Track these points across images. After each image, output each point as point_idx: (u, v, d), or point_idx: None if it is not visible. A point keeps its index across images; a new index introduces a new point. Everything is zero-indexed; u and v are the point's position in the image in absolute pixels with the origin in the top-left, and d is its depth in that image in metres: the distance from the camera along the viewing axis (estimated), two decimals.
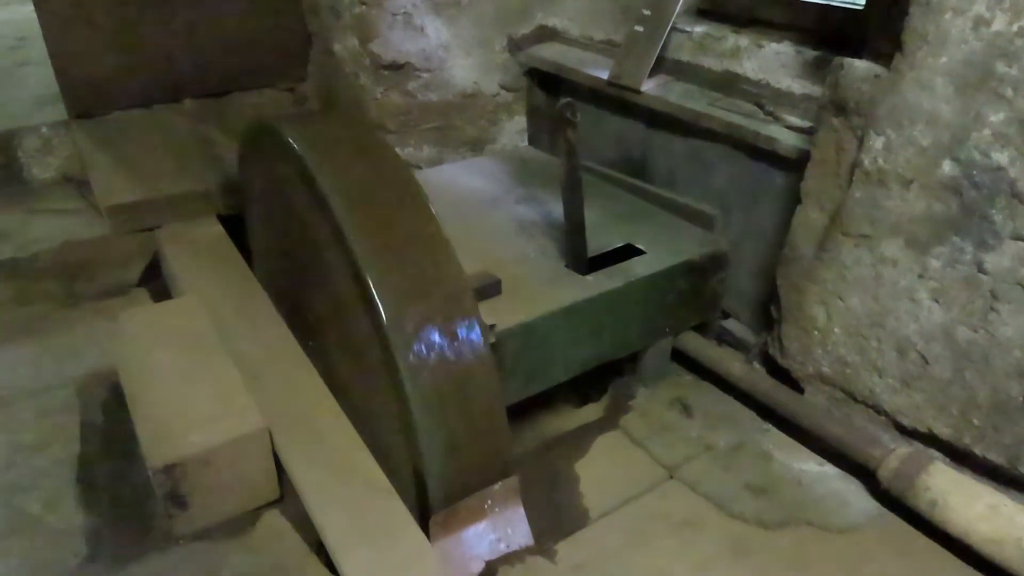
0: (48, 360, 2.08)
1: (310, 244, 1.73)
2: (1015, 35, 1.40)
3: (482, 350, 1.51)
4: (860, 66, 1.68)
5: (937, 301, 1.62)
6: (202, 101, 2.93)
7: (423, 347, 1.45)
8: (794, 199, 1.90)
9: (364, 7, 2.47)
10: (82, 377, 2.01)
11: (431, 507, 1.51)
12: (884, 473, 1.68)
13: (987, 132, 1.47)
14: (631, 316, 1.99)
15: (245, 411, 1.62)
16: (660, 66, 2.35)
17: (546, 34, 2.77)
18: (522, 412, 1.98)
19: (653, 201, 2.34)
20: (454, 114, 2.72)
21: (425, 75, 2.60)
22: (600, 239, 2.08)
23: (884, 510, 1.73)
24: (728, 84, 2.21)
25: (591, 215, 1.99)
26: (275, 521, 1.62)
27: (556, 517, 1.73)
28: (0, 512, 1.62)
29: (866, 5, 1.92)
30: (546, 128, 2.88)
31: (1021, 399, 1.52)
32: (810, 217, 1.85)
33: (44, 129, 2.63)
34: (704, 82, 2.27)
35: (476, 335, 1.51)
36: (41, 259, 2.30)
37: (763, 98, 2.10)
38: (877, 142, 1.64)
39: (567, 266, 1.99)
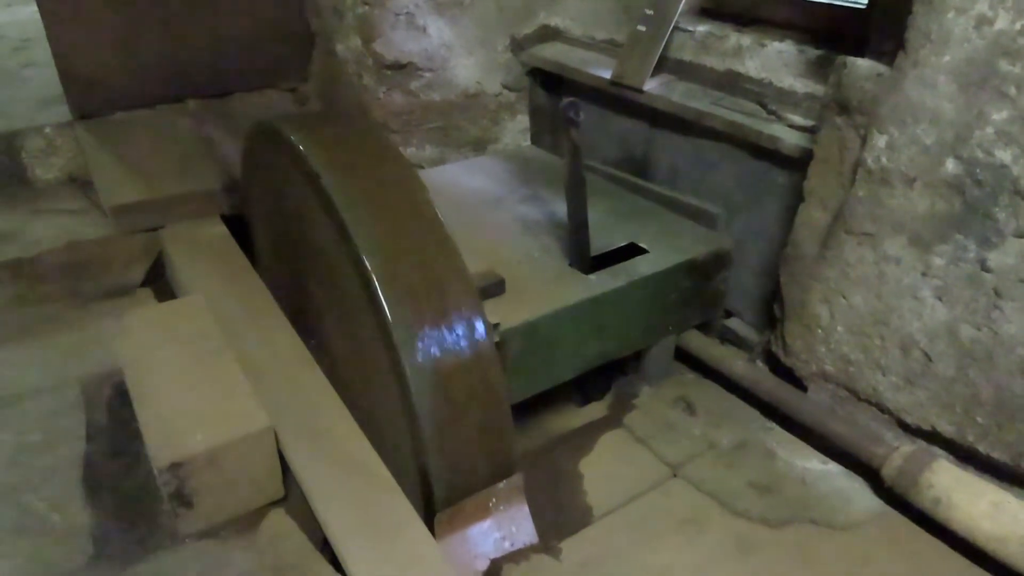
0: (53, 360, 2.08)
1: (314, 244, 1.74)
2: (1018, 33, 1.40)
3: (487, 349, 1.52)
4: (863, 65, 1.68)
5: (940, 299, 1.62)
6: (205, 101, 2.93)
7: (428, 346, 1.46)
8: (797, 198, 1.91)
9: (367, 7, 2.47)
10: (87, 377, 2.01)
11: (436, 505, 1.52)
12: (888, 471, 1.68)
13: (990, 130, 1.47)
14: (634, 315, 1.99)
15: (250, 410, 1.62)
16: (663, 65, 2.35)
17: (548, 34, 2.78)
18: (526, 411, 1.99)
19: (656, 200, 2.34)
20: (457, 114, 2.73)
21: (428, 75, 2.60)
22: (603, 238, 2.09)
23: (888, 508, 1.74)
24: (731, 83, 2.21)
25: (594, 214, 1.99)
26: (280, 520, 1.62)
27: (560, 515, 1.73)
28: (6, 511, 1.62)
29: (868, 4, 1.92)
30: (548, 128, 2.89)
31: None
32: (813, 216, 1.86)
33: (48, 130, 2.63)
34: (707, 81, 2.28)
35: (481, 334, 1.51)
36: (45, 259, 2.29)
37: (766, 97, 2.11)
38: (880, 140, 1.64)
39: (571, 265, 2.00)
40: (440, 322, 1.47)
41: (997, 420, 1.58)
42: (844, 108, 1.73)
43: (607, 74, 2.42)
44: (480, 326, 1.51)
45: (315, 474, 1.58)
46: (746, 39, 2.21)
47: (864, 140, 1.68)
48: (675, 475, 1.86)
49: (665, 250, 2.06)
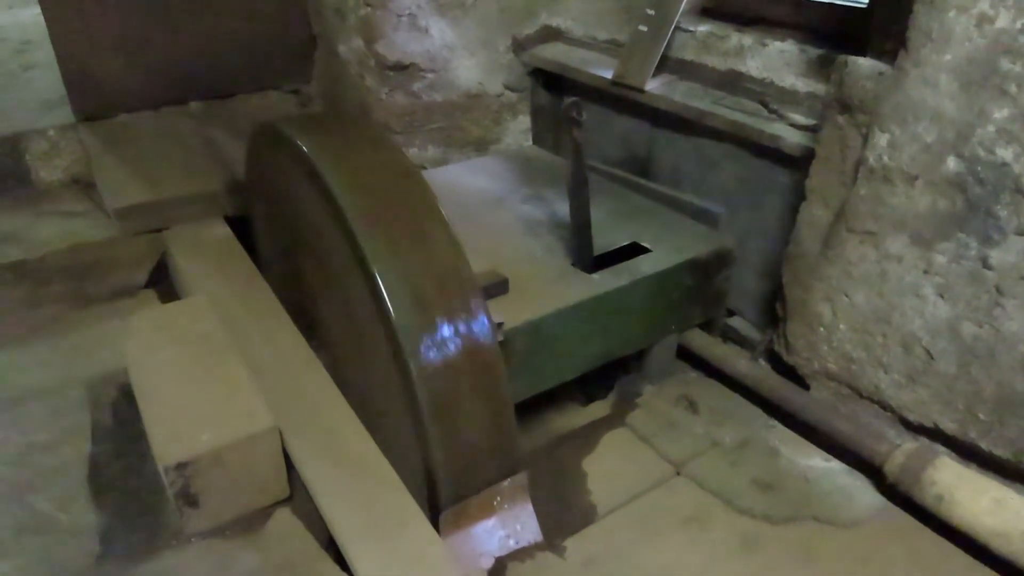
0: (58, 361, 2.09)
1: (317, 244, 1.75)
2: (1019, 32, 1.41)
3: (491, 348, 1.52)
4: (864, 64, 1.69)
5: (942, 297, 1.63)
6: (208, 103, 2.94)
7: (433, 345, 1.46)
8: (799, 197, 1.92)
9: (369, 8, 2.48)
10: (92, 377, 2.02)
11: (441, 504, 1.53)
12: (890, 468, 1.69)
13: (991, 128, 1.48)
14: (637, 314, 2.00)
15: (255, 410, 1.63)
16: (664, 65, 2.36)
17: (550, 34, 2.79)
18: (529, 410, 1.99)
19: (658, 199, 2.35)
20: (459, 114, 2.73)
21: (430, 76, 2.61)
22: (606, 237, 2.09)
23: (890, 505, 1.74)
24: (732, 83, 2.22)
25: (596, 214, 2.00)
26: (286, 519, 1.63)
27: (564, 513, 1.74)
28: (13, 511, 1.63)
29: (870, 3, 1.93)
30: (550, 128, 2.90)
31: None
32: (815, 214, 1.86)
33: (51, 132, 2.64)
34: (708, 81, 2.29)
35: (485, 333, 1.52)
36: (49, 261, 2.30)
37: (767, 96, 2.11)
38: (882, 139, 1.65)
39: (573, 264, 2.00)
40: (445, 322, 1.48)
41: (999, 417, 1.59)
42: (846, 107, 1.73)
43: (609, 74, 2.43)
44: (484, 325, 1.52)
45: (320, 473, 1.59)
46: (747, 39, 2.21)
47: (866, 139, 1.69)
48: (678, 473, 1.87)
49: (667, 249, 2.07)
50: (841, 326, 1.83)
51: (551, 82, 2.81)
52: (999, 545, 1.52)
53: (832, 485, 1.81)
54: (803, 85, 2.05)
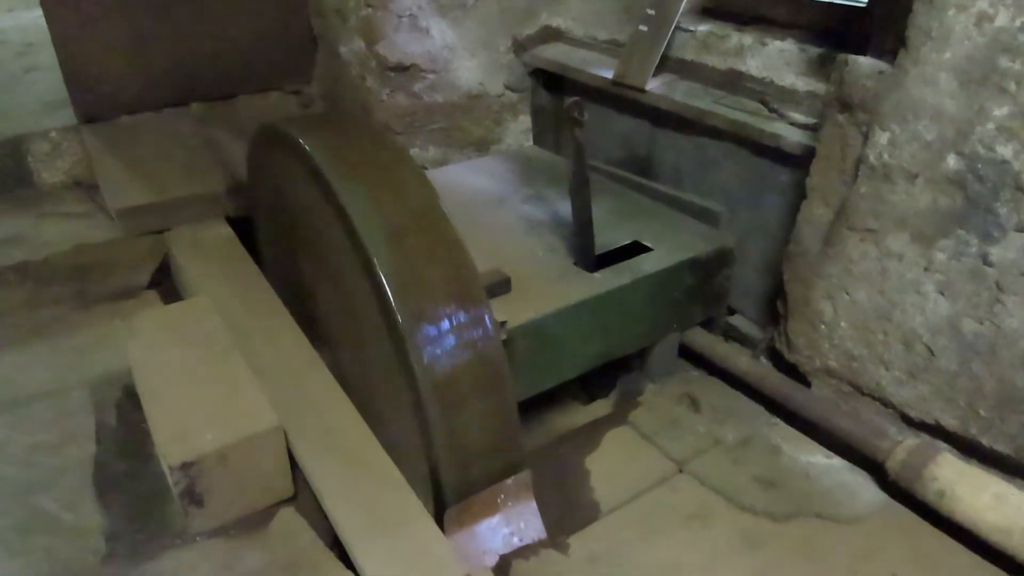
0: (62, 362, 2.10)
1: (321, 244, 1.75)
2: (1018, 30, 1.42)
3: (494, 347, 1.53)
4: (864, 63, 1.70)
5: (943, 294, 1.64)
6: (209, 104, 2.95)
7: (437, 345, 1.47)
8: (799, 195, 1.92)
9: (370, 9, 2.49)
10: (96, 378, 2.03)
11: (445, 502, 1.53)
12: (892, 464, 1.70)
13: (991, 126, 1.48)
14: (639, 312, 2.01)
15: (259, 409, 1.64)
16: (664, 65, 2.37)
17: (550, 35, 2.79)
18: (532, 409, 2.00)
19: (659, 199, 2.36)
20: (460, 115, 2.74)
21: (431, 76, 2.62)
22: (607, 237, 2.10)
23: (892, 501, 1.75)
24: (732, 82, 2.23)
25: (598, 213, 2.01)
26: (290, 518, 1.64)
27: (568, 511, 1.75)
28: (19, 511, 1.64)
29: (869, 2, 1.94)
30: (551, 128, 2.90)
31: None
32: (815, 212, 1.87)
33: (53, 133, 2.65)
34: (708, 80, 2.29)
35: (488, 332, 1.52)
36: (52, 262, 2.31)
37: (767, 96, 2.12)
38: (882, 137, 1.66)
39: (575, 264, 2.01)
40: (449, 321, 1.49)
41: (1000, 413, 1.59)
42: (846, 106, 1.74)
43: (609, 74, 2.43)
44: (488, 325, 1.53)
45: (324, 472, 1.59)
46: (747, 38, 2.22)
47: (866, 137, 1.70)
48: (681, 471, 1.87)
49: (669, 248, 2.08)
50: (842, 324, 1.84)
51: (552, 82, 2.82)
52: (1000, 540, 1.52)
53: (834, 482, 1.82)
54: (803, 84, 2.06)
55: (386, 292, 1.45)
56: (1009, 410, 1.58)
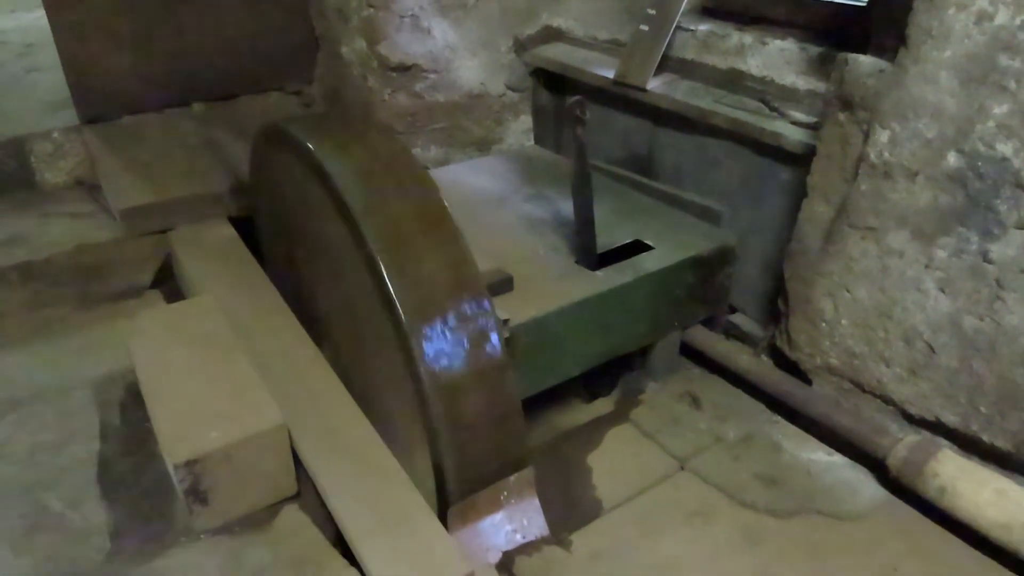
0: (65, 361, 2.10)
1: (324, 244, 1.76)
2: (1018, 28, 1.43)
3: (497, 345, 1.54)
4: (865, 61, 1.71)
5: (943, 291, 1.64)
6: (211, 105, 2.96)
7: (441, 344, 1.47)
8: (800, 193, 1.93)
9: (372, 10, 2.50)
10: (99, 377, 2.03)
11: (449, 499, 1.54)
12: (893, 461, 1.70)
13: (991, 124, 1.49)
14: (640, 311, 2.02)
15: (263, 407, 1.64)
16: (665, 64, 2.37)
17: (551, 34, 2.80)
18: (534, 407, 2.00)
19: (660, 198, 2.37)
20: (461, 115, 2.75)
21: (432, 76, 2.63)
22: (609, 235, 2.11)
23: (893, 498, 1.76)
24: (733, 81, 2.23)
25: (599, 212, 2.02)
26: (294, 515, 1.64)
27: (570, 508, 1.75)
28: (24, 509, 1.65)
29: (869, 1, 1.95)
30: (552, 127, 2.91)
31: None
32: (816, 211, 1.88)
33: (55, 134, 2.65)
34: (709, 80, 2.30)
35: (491, 330, 1.53)
36: (55, 262, 2.31)
37: (768, 95, 2.13)
38: (882, 135, 1.66)
39: (577, 262, 2.02)
40: (453, 320, 1.49)
41: (1000, 409, 1.60)
42: (847, 104, 1.75)
43: (610, 73, 2.44)
44: (491, 323, 1.53)
45: (328, 470, 1.60)
46: (748, 37, 2.23)
47: (866, 135, 1.71)
48: (682, 468, 1.88)
49: (670, 247, 2.09)
50: (843, 321, 1.85)
51: (552, 82, 2.83)
52: (1001, 536, 1.53)
53: (835, 479, 1.83)
54: (804, 83, 2.07)
55: (390, 291, 1.46)
56: (1009, 407, 1.59)
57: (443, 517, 1.54)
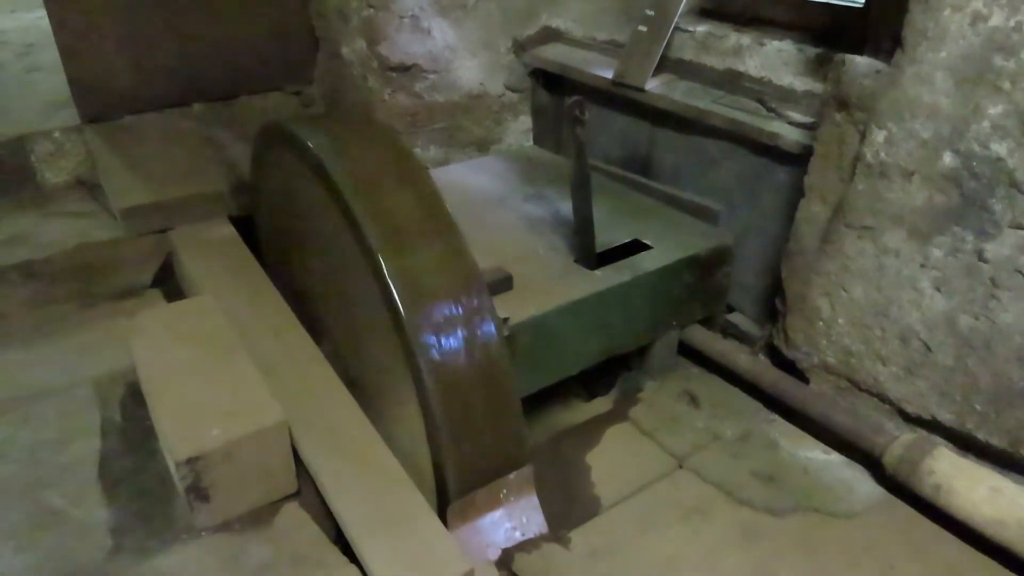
0: (65, 360, 2.11)
1: (325, 243, 1.77)
2: (1012, 30, 1.44)
3: (497, 343, 1.55)
4: (861, 62, 1.72)
5: (939, 290, 1.66)
6: (211, 105, 2.97)
7: (441, 342, 1.49)
8: (797, 193, 1.94)
9: (372, 10, 2.51)
10: (100, 376, 2.04)
11: (448, 496, 1.55)
12: (889, 459, 1.72)
13: (986, 124, 1.51)
14: (639, 310, 2.03)
15: (264, 405, 1.65)
16: (664, 65, 2.39)
17: (550, 35, 2.82)
18: (533, 406, 2.02)
19: (658, 198, 2.38)
20: (460, 115, 2.76)
21: (432, 76, 2.64)
22: (608, 235, 2.12)
23: (889, 495, 1.77)
24: (731, 82, 2.25)
25: (598, 212, 2.03)
26: (294, 513, 1.65)
27: (569, 506, 1.76)
28: (26, 507, 1.65)
29: (866, 3, 1.96)
30: (551, 128, 2.92)
31: (1022, 384, 1.56)
32: (813, 210, 1.89)
33: (56, 133, 2.66)
34: (707, 80, 2.32)
35: (491, 329, 1.54)
36: (56, 261, 2.32)
37: (766, 95, 2.14)
38: (879, 135, 1.68)
39: (576, 261, 2.03)
40: (453, 319, 1.51)
41: (995, 407, 1.62)
42: (843, 104, 1.76)
43: (609, 74, 2.46)
44: (491, 322, 1.54)
45: (329, 468, 1.61)
46: (746, 38, 2.24)
47: (863, 135, 1.72)
48: (681, 466, 1.89)
49: (668, 246, 2.10)
50: (840, 320, 1.86)
51: (551, 82, 2.84)
52: (996, 533, 1.54)
53: (832, 477, 1.84)
54: (801, 84, 2.09)
55: (391, 289, 1.47)
56: (1005, 405, 1.60)
57: (443, 515, 1.54)
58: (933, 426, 1.76)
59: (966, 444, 1.71)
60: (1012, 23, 1.44)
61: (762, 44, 2.20)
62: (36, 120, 2.73)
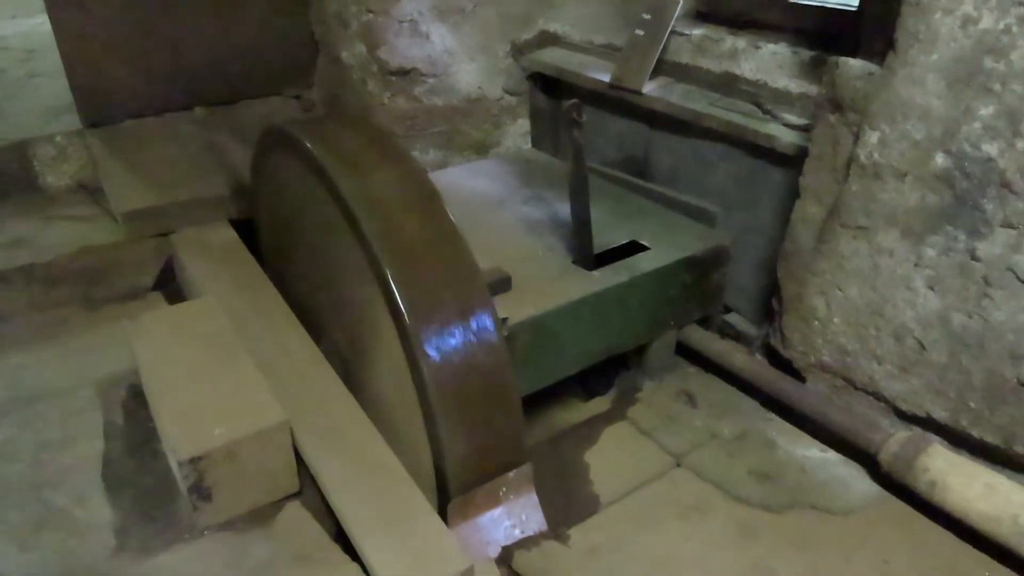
0: (68, 362, 2.12)
1: (326, 245, 1.79)
2: (1002, 32, 1.46)
3: (497, 343, 1.57)
4: (855, 64, 1.74)
5: (932, 289, 1.68)
6: (211, 109, 2.99)
7: (442, 342, 1.50)
8: (793, 194, 1.96)
9: (371, 15, 2.53)
10: (102, 378, 2.05)
11: (448, 494, 1.56)
12: (884, 456, 1.73)
13: (977, 125, 1.53)
14: (637, 310, 2.05)
15: (266, 405, 1.66)
16: (660, 68, 2.41)
17: (548, 39, 2.84)
18: (533, 405, 2.03)
19: (656, 199, 2.40)
20: (459, 118, 2.78)
21: (431, 80, 2.66)
22: (605, 236, 2.14)
23: (885, 493, 1.78)
24: (727, 84, 2.27)
25: (596, 214, 2.05)
26: (296, 512, 1.66)
27: (568, 504, 1.78)
28: (30, 506, 1.66)
29: (859, 6, 1.98)
30: (549, 131, 2.94)
31: (1015, 381, 1.58)
32: (809, 211, 1.91)
33: (58, 138, 2.68)
34: (704, 83, 2.34)
35: (491, 329, 1.56)
36: (58, 264, 2.34)
37: (761, 97, 2.16)
38: (872, 137, 1.70)
39: (574, 262, 2.05)
40: (454, 319, 1.52)
41: (989, 404, 1.63)
42: (837, 106, 1.79)
43: (606, 77, 2.48)
44: (491, 322, 1.56)
45: (330, 468, 1.62)
46: (741, 42, 2.27)
47: (857, 137, 1.74)
48: (679, 465, 1.91)
49: (666, 247, 2.12)
50: (835, 319, 1.88)
51: (549, 86, 2.86)
52: (990, 529, 1.56)
53: (828, 475, 1.86)
54: (796, 86, 2.11)
55: (392, 288, 1.49)
56: (998, 401, 1.62)
57: (443, 512, 1.56)
58: (928, 423, 1.77)
59: (960, 441, 1.73)
60: (1001, 26, 1.46)
61: (757, 47, 2.22)
62: (38, 125, 2.75)
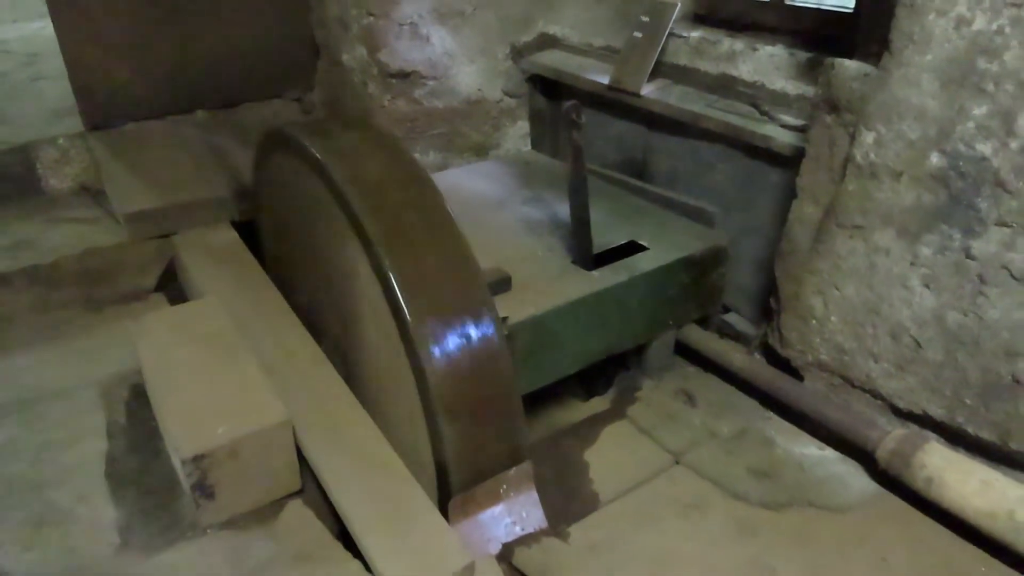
0: (71, 362, 2.13)
1: (328, 246, 1.80)
2: (995, 33, 1.48)
3: (497, 342, 1.58)
4: (851, 66, 1.76)
5: (928, 287, 1.69)
6: (213, 112, 3.00)
7: (444, 341, 1.51)
8: (790, 194, 1.98)
9: (372, 18, 2.55)
10: (105, 378, 2.06)
11: (449, 492, 1.57)
12: (881, 454, 1.75)
13: (971, 125, 1.55)
14: (636, 309, 2.06)
15: (269, 404, 1.67)
16: (658, 70, 2.43)
17: (547, 42, 2.86)
18: (532, 405, 2.04)
19: (654, 200, 2.42)
20: (459, 120, 2.80)
21: (431, 83, 2.68)
22: (604, 237, 2.16)
23: (882, 490, 1.79)
24: (725, 86, 2.29)
25: (595, 214, 2.06)
26: (298, 511, 1.67)
27: (568, 501, 1.79)
28: (34, 505, 1.67)
29: (855, 8, 2.01)
30: (548, 132, 2.96)
31: (1010, 378, 1.59)
32: (806, 211, 1.93)
33: (61, 140, 2.69)
34: (701, 85, 2.36)
35: (491, 328, 1.57)
36: (61, 266, 2.35)
37: (758, 99, 2.18)
38: (868, 137, 1.72)
39: (574, 262, 2.06)
40: (455, 319, 1.53)
41: (984, 401, 1.65)
42: (833, 107, 1.80)
43: (605, 79, 2.50)
44: (491, 321, 1.57)
45: (332, 466, 1.63)
46: (738, 44, 2.29)
47: (853, 137, 1.76)
48: (677, 463, 1.92)
49: (664, 247, 2.13)
50: (832, 318, 1.90)
51: (549, 88, 2.88)
52: (987, 525, 1.57)
53: (826, 472, 1.87)
54: (792, 87, 2.12)
55: (394, 288, 1.50)
56: (993, 399, 1.63)
57: (444, 510, 1.57)
58: (924, 421, 1.79)
59: (956, 438, 1.74)
60: (994, 27, 1.48)
61: (755, 49, 2.24)
62: (41, 128, 2.77)
